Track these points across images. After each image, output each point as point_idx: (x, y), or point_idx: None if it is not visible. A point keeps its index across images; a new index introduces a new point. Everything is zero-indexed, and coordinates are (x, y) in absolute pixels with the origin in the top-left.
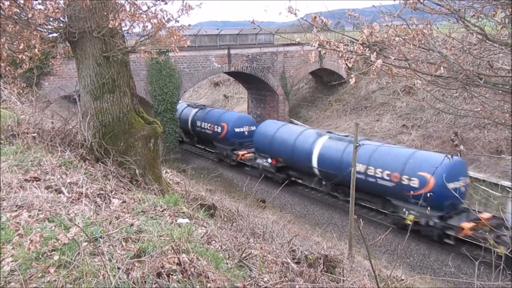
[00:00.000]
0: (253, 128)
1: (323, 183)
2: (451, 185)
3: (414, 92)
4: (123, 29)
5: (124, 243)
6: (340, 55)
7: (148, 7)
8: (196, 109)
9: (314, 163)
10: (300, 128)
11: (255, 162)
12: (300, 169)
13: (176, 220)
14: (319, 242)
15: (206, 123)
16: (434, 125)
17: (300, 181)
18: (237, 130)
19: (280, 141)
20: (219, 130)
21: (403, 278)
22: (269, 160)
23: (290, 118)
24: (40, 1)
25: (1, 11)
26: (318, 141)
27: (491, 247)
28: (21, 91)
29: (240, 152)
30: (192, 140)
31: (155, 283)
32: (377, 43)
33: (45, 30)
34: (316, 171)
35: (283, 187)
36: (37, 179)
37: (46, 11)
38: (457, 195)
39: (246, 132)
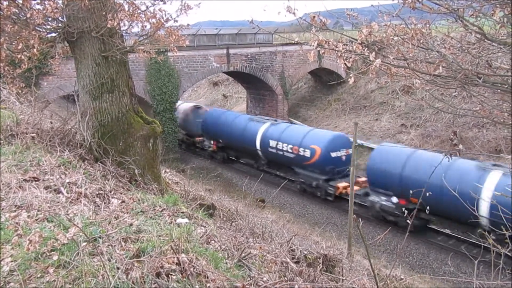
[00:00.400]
0: (350, 151)
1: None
2: None
3: (413, 92)
4: (122, 29)
5: (123, 243)
6: (339, 55)
7: (147, 7)
8: (267, 124)
9: (484, 211)
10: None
11: (367, 199)
12: (457, 217)
13: (175, 220)
14: (318, 242)
15: (285, 144)
16: (433, 124)
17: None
18: (333, 155)
19: (415, 176)
20: (307, 154)
21: (402, 277)
22: (394, 200)
23: (289, 118)
24: (39, 1)
25: (0, 11)
26: (488, 177)
27: (491, 246)
28: (20, 91)
29: (341, 185)
30: (258, 162)
31: (154, 283)
32: (376, 42)
33: (44, 30)
34: (485, 221)
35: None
36: (36, 179)
37: (44, 11)
38: None
39: (343, 157)
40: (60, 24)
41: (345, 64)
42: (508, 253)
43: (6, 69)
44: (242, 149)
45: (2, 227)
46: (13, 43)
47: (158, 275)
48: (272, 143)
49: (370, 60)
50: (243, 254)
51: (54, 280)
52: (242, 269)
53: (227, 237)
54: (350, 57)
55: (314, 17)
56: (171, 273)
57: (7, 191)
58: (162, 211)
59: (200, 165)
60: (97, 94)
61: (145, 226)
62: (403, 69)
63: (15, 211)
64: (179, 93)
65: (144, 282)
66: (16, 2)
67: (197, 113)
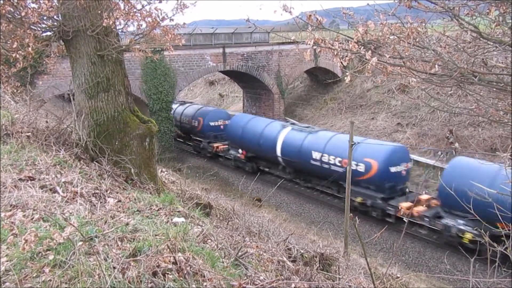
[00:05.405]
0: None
1: None
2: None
3: (409, 91)
4: (118, 27)
5: (119, 243)
6: (335, 53)
7: (143, 6)
8: None
9: (279, 152)
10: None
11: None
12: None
13: (171, 219)
14: (314, 241)
15: None
16: (429, 123)
17: None
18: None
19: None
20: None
21: (398, 275)
22: (240, 151)
23: (285, 117)
24: (34, 0)
25: None
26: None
27: (487, 244)
28: (15, 90)
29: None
30: None
31: (150, 282)
32: (372, 41)
33: (39, 29)
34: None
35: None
36: (31, 179)
37: (39, 10)
38: None
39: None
40: (55, 23)
41: (341, 62)
42: (504, 251)
43: (1, 68)
44: None
45: None
46: (8, 42)
47: (154, 274)
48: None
49: (366, 59)
50: (239, 253)
51: (50, 280)
52: (238, 268)
53: (223, 236)
54: (346, 56)
55: (310, 15)
56: (167, 272)
57: (3, 191)
58: (158, 210)
59: (197, 164)
60: (93, 93)
61: (142, 225)
62: (399, 67)
63: (10, 210)
64: (175, 92)
65: (141, 281)
66: (11, 0)
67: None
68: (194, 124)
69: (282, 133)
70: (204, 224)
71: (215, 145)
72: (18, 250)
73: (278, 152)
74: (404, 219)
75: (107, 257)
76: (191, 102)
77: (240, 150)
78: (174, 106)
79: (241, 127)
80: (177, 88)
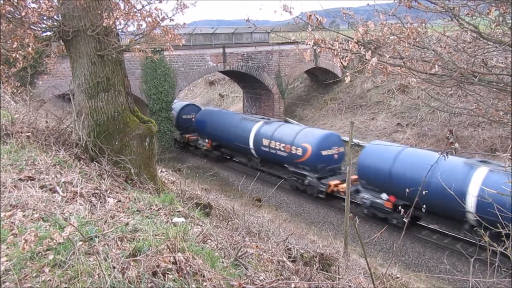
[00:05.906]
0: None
1: None
2: None
3: (409, 91)
4: (118, 27)
5: (119, 242)
6: (335, 54)
7: (143, 6)
8: None
9: (471, 207)
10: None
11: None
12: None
13: (171, 219)
14: (314, 241)
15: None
16: (429, 123)
17: None
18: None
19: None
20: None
21: (398, 276)
22: (384, 197)
23: (285, 117)
24: (34, 0)
25: None
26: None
27: (487, 244)
28: (15, 90)
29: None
30: None
31: (150, 282)
32: (372, 41)
33: (39, 29)
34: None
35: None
36: (31, 179)
37: (39, 10)
38: None
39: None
40: (55, 23)
41: (341, 63)
42: (503, 251)
43: (1, 68)
44: None
45: None
46: (8, 42)
47: (154, 274)
48: None
49: (366, 59)
50: (239, 253)
51: (50, 280)
52: (238, 268)
53: (223, 236)
54: (346, 56)
55: (310, 16)
56: (167, 272)
57: (2, 191)
58: (158, 210)
59: (196, 164)
60: (93, 93)
61: (141, 225)
62: (399, 67)
63: (10, 210)
64: (175, 92)
65: (140, 281)
66: (11, 0)
67: None
68: (296, 153)
69: (475, 177)
70: (204, 224)
71: (332, 183)
72: (18, 250)
73: (470, 207)
74: (404, 219)
75: (107, 257)
76: (267, 119)
77: (384, 195)
78: (237, 117)
79: (388, 161)
80: (177, 88)
